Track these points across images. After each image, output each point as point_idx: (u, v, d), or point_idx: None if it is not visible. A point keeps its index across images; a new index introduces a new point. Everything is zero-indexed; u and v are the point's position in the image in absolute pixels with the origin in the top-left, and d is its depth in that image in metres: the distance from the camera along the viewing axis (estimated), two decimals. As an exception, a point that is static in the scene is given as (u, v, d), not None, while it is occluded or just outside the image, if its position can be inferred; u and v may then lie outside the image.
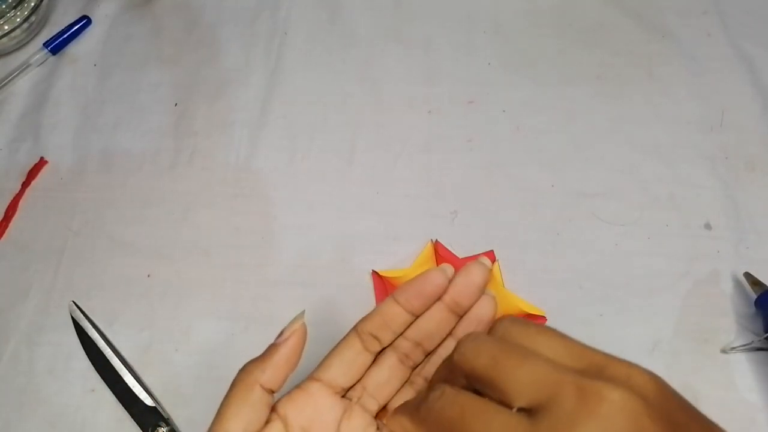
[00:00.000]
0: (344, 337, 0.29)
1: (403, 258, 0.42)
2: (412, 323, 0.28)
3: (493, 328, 0.23)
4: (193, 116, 0.49)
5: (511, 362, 0.21)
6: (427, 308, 0.28)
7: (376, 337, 0.28)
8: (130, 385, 0.39)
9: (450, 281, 0.27)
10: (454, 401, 0.22)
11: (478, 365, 0.21)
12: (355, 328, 0.29)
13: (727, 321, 0.39)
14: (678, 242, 0.42)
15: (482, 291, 0.28)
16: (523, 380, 0.20)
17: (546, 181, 0.44)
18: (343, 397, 0.28)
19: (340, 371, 0.28)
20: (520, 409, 0.20)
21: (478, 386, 0.22)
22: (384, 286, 0.41)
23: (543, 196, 0.44)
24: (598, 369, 0.20)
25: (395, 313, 0.28)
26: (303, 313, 0.27)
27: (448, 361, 0.24)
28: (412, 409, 0.25)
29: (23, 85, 0.51)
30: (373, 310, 0.29)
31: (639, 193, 0.44)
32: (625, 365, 0.21)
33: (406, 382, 0.29)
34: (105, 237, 0.44)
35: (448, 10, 0.52)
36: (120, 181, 0.47)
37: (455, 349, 0.23)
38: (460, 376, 0.23)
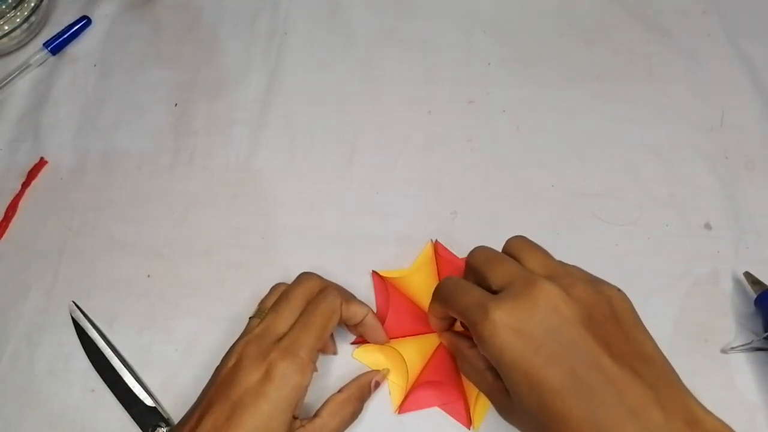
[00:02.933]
0: None
1: (403, 258, 0.42)
2: None
3: (507, 241, 0.33)
4: (193, 116, 0.49)
5: (495, 263, 0.31)
6: None
7: None
8: (130, 385, 0.39)
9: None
10: (456, 282, 0.32)
11: (477, 263, 0.32)
12: None
13: (727, 321, 0.39)
14: (678, 242, 0.42)
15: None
16: (498, 274, 0.30)
17: (546, 181, 0.44)
18: None
19: None
20: (495, 292, 0.30)
21: (477, 278, 0.32)
22: (384, 286, 0.41)
23: (543, 196, 0.44)
24: (555, 276, 0.29)
25: None
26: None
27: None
28: (434, 292, 0.34)
29: (23, 85, 0.51)
30: None
31: (639, 193, 0.44)
32: (575, 278, 0.29)
33: None
34: (105, 237, 0.44)
35: (448, 10, 0.52)
36: (120, 181, 0.47)
37: (469, 253, 0.33)
38: (469, 272, 0.33)
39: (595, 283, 0.30)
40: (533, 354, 0.27)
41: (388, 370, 0.38)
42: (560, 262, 0.31)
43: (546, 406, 0.27)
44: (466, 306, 0.30)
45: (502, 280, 0.30)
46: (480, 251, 0.33)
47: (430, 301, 0.39)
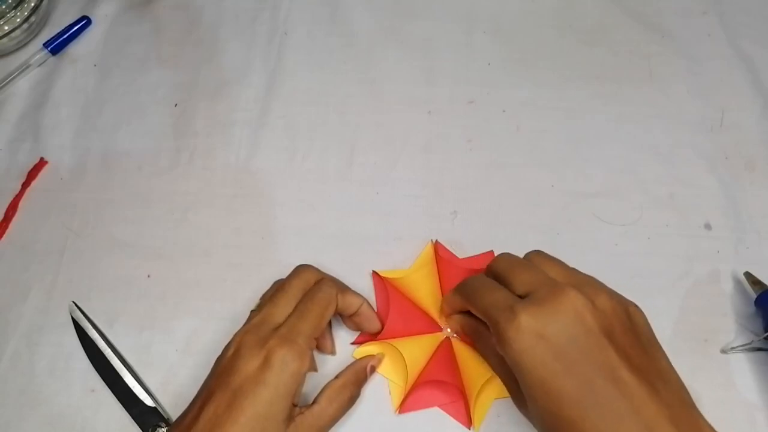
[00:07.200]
0: None
1: (403, 258, 0.42)
2: None
3: (526, 255, 0.33)
4: (193, 116, 0.49)
5: (520, 269, 0.31)
6: None
7: None
8: (130, 385, 0.39)
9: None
10: (483, 280, 0.33)
11: (501, 267, 0.32)
12: None
13: (727, 321, 0.39)
14: (678, 242, 0.42)
15: None
16: (523, 279, 0.30)
17: (546, 181, 0.44)
18: None
19: None
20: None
21: (499, 282, 0.32)
22: (384, 286, 0.41)
23: (543, 196, 0.44)
24: (578, 284, 0.29)
25: None
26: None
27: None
28: (457, 286, 0.35)
29: (23, 85, 0.51)
30: None
31: (639, 193, 0.44)
32: (597, 288, 0.29)
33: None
34: (105, 237, 0.44)
35: (448, 10, 0.52)
36: (120, 181, 0.47)
37: (493, 259, 0.34)
38: (491, 275, 0.33)
39: (615, 295, 0.30)
40: (553, 360, 0.27)
41: (383, 355, 0.39)
42: (578, 272, 0.31)
43: (559, 413, 0.27)
44: (491, 304, 0.30)
45: (527, 286, 0.30)
46: (504, 257, 0.33)
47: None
